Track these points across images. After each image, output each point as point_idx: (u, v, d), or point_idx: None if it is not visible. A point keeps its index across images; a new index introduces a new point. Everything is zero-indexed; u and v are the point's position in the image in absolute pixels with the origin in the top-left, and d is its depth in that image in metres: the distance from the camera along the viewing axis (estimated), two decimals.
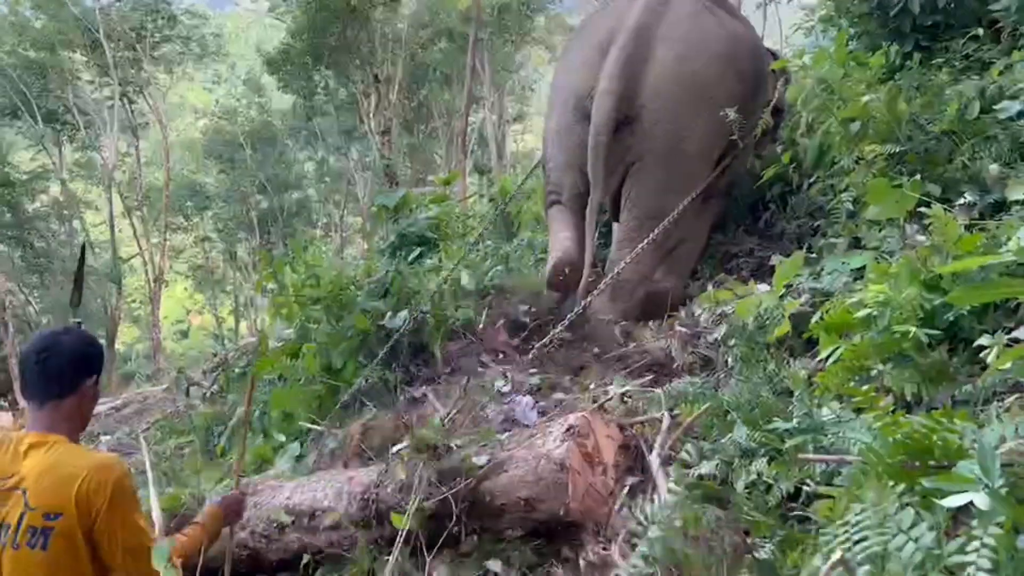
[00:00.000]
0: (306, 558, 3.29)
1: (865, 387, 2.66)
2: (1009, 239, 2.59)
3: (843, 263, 3.90)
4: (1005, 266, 2.56)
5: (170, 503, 3.64)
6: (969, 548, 1.44)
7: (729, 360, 3.82)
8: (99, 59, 23.08)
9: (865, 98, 4.37)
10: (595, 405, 3.49)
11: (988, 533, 1.44)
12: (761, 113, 5.39)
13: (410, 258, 6.82)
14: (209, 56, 26.63)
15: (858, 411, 2.49)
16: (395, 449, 3.42)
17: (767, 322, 3.70)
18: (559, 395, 4.10)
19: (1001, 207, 3.57)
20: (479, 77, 22.03)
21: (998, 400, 2.36)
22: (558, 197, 5.57)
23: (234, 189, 27.79)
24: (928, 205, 3.29)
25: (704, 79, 5.07)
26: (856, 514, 1.66)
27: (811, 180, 5.23)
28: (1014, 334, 2.41)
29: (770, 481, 2.49)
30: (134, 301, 30.67)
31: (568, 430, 3.00)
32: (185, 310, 37.83)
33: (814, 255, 4.37)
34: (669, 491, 2.60)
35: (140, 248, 25.43)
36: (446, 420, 3.74)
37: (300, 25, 20.00)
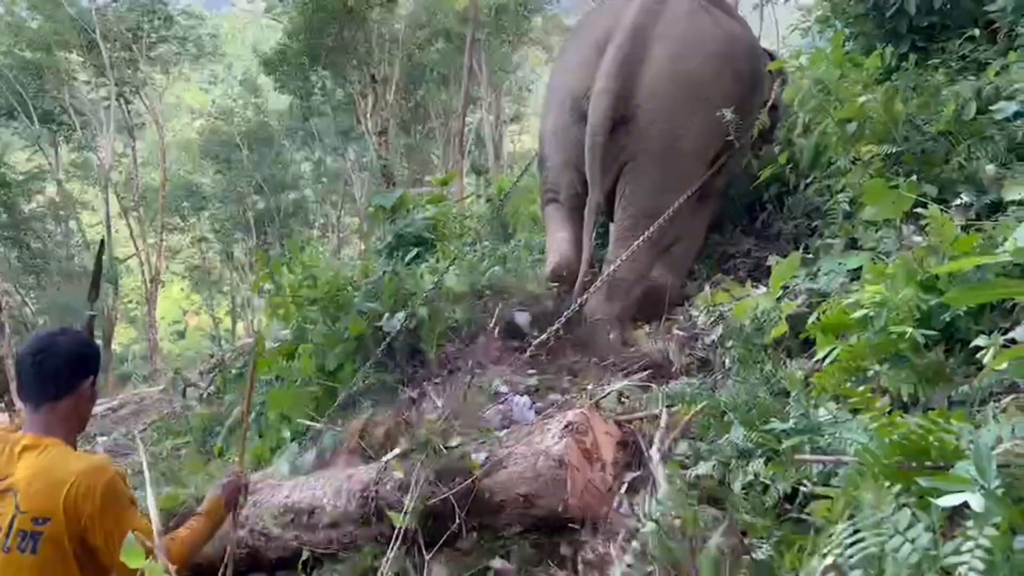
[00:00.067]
0: (305, 554, 3.29)
1: (862, 388, 2.66)
2: (1005, 239, 2.58)
3: (840, 264, 3.91)
4: (1001, 267, 2.56)
5: (168, 503, 3.63)
6: (964, 549, 1.44)
7: (726, 361, 3.82)
8: (95, 59, 23.06)
9: (861, 99, 4.38)
10: (592, 402, 3.49)
11: (983, 534, 1.44)
12: (758, 113, 5.39)
13: (407, 259, 6.82)
14: (205, 56, 26.61)
15: (855, 412, 2.49)
16: (394, 448, 3.42)
17: (764, 323, 3.70)
18: (555, 396, 4.11)
19: (997, 208, 3.57)
20: (476, 77, 22.04)
21: (994, 401, 2.36)
22: (555, 196, 5.58)
23: (231, 189, 27.77)
24: (925, 206, 3.29)
25: (700, 79, 5.07)
26: (849, 517, 1.66)
27: (808, 181, 5.24)
28: (1010, 335, 2.42)
29: (767, 482, 2.49)
30: (131, 302, 30.65)
31: (567, 427, 3.01)
32: (182, 311, 37.78)
33: (811, 256, 4.38)
34: (667, 488, 2.60)
35: (136, 249, 25.41)
36: (445, 418, 3.74)
37: (297, 25, 20.00)
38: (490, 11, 21.49)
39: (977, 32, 5.05)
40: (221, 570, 2.68)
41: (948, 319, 2.77)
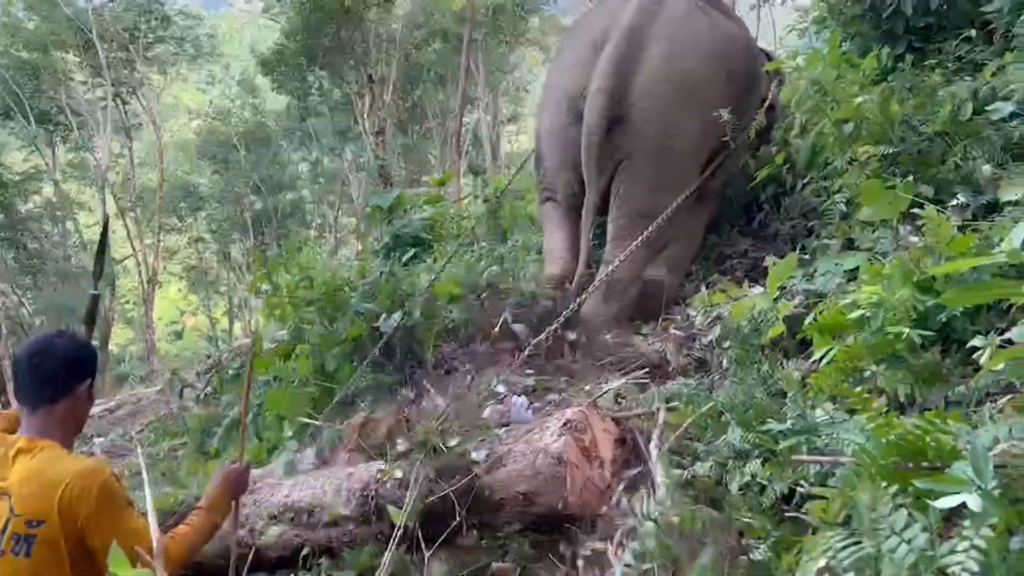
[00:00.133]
0: (305, 550, 3.28)
1: (858, 388, 2.67)
2: (1002, 240, 2.59)
3: (836, 264, 3.91)
4: (998, 267, 2.56)
5: (166, 504, 3.62)
6: (960, 549, 1.44)
7: (723, 362, 3.82)
8: (92, 60, 23.02)
9: (858, 99, 4.38)
10: (590, 400, 3.49)
11: (979, 534, 1.45)
12: (754, 114, 5.39)
13: (404, 259, 6.82)
14: (203, 57, 26.60)
15: (851, 412, 2.49)
16: (394, 446, 3.43)
17: (761, 324, 3.70)
18: (553, 396, 4.11)
19: (994, 208, 3.57)
20: (473, 78, 22.04)
21: (991, 401, 2.37)
22: (552, 195, 5.59)
23: (228, 190, 27.72)
24: (921, 206, 3.30)
25: (696, 79, 5.08)
26: (846, 518, 1.66)
27: (805, 181, 5.25)
28: (1007, 335, 2.42)
29: (764, 482, 2.50)
30: (128, 302, 30.60)
31: (565, 424, 3.03)
32: (179, 311, 37.69)
33: (808, 256, 4.38)
34: (665, 487, 2.61)
35: (134, 249, 25.36)
36: (444, 417, 3.74)
37: (294, 26, 19.97)
38: (487, 11, 21.49)
39: (973, 33, 5.07)
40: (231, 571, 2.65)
41: (944, 319, 2.78)
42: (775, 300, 3.77)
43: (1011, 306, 2.67)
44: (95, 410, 8.29)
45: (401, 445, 3.38)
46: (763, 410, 2.86)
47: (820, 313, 3.21)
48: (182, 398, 7.50)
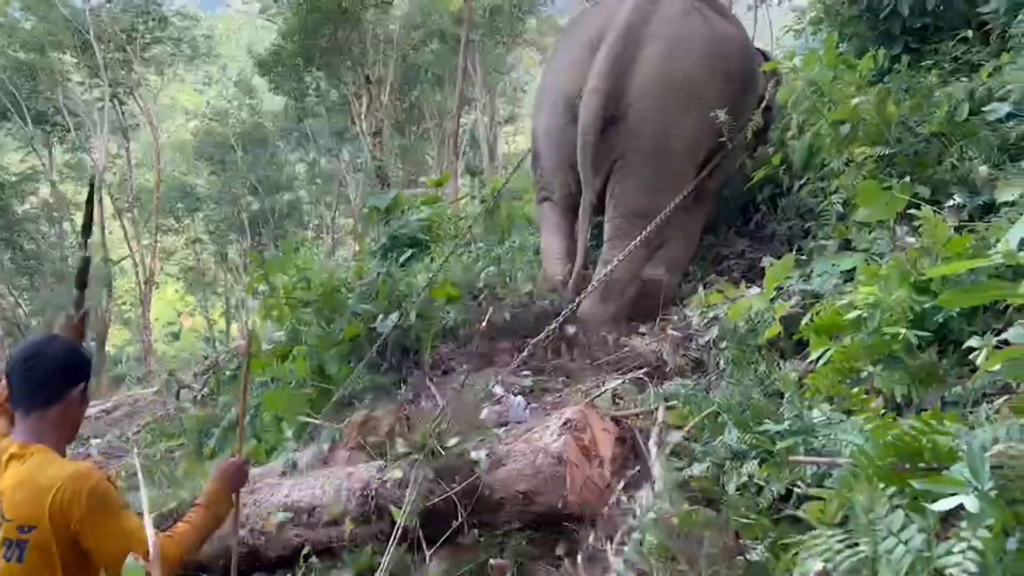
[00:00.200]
0: (306, 550, 3.28)
1: (855, 389, 2.67)
2: (998, 241, 2.59)
3: (833, 265, 3.91)
4: (994, 268, 2.56)
5: (164, 504, 3.62)
6: (957, 551, 1.44)
7: (720, 362, 3.82)
8: (89, 60, 22.99)
9: (855, 100, 4.39)
10: (587, 400, 3.50)
11: (976, 536, 1.44)
12: (751, 114, 5.39)
13: (402, 260, 6.81)
14: (200, 57, 26.57)
15: (848, 413, 2.50)
16: (394, 445, 3.43)
17: (758, 324, 3.70)
18: (551, 397, 4.11)
19: (990, 209, 3.58)
20: (471, 79, 22.04)
21: (987, 402, 2.37)
22: (549, 195, 5.59)
23: (225, 191, 27.69)
24: (918, 207, 3.30)
25: (692, 79, 5.07)
26: (843, 518, 1.66)
27: (801, 182, 5.25)
28: (1003, 336, 2.42)
29: (761, 483, 2.50)
30: (125, 303, 30.55)
31: (565, 424, 3.04)
32: (176, 312, 37.62)
33: (804, 257, 4.38)
34: (664, 485, 2.61)
35: (131, 250, 25.31)
36: (442, 418, 3.74)
37: (291, 27, 19.95)
38: (484, 12, 21.48)
39: (970, 34, 5.08)
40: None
41: (941, 320, 2.78)
42: (772, 301, 3.77)
43: (1007, 307, 2.68)
44: (92, 411, 8.28)
45: (401, 445, 3.38)
46: (760, 411, 2.86)
47: (817, 314, 3.21)
48: (179, 399, 7.50)
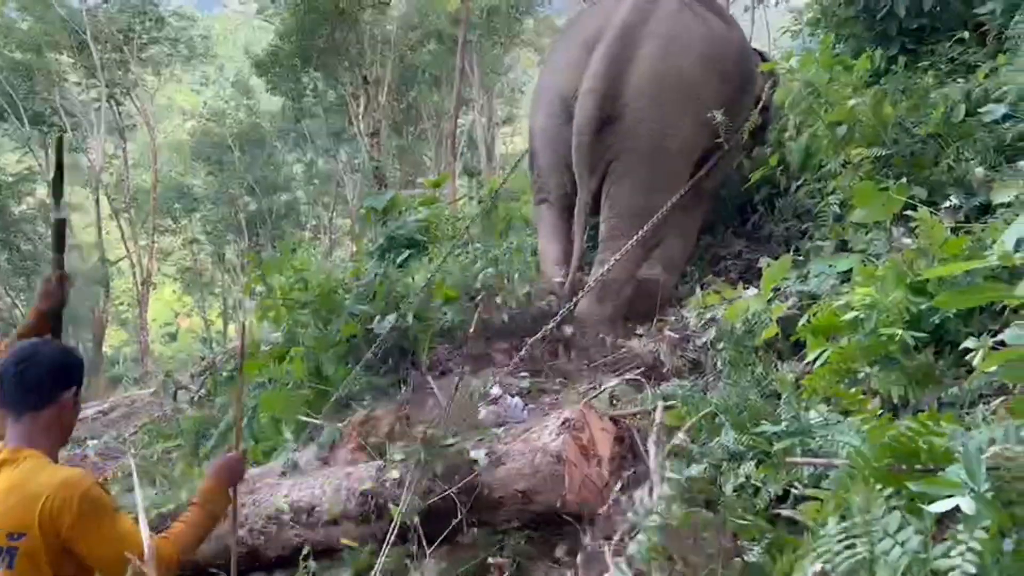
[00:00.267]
0: (305, 550, 3.28)
1: (852, 390, 2.67)
2: (994, 242, 2.60)
3: (830, 266, 3.91)
4: (990, 269, 2.56)
5: (162, 504, 3.62)
6: (954, 552, 1.44)
7: (718, 363, 3.83)
8: (86, 61, 22.98)
9: (851, 102, 4.39)
10: (585, 400, 3.50)
11: (973, 537, 1.45)
12: (748, 115, 5.40)
13: (399, 261, 6.80)
14: (197, 58, 26.58)
15: (845, 414, 2.50)
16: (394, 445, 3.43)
17: (755, 325, 3.71)
18: (548, 398, 4.11)
19: (986, 210, 3.58)
20: (468, 79, 22.04)
21: (984, 403, 2.37)
22: (546, 196, 5.59)
23: (222, 191, 27.68)
24: (914, 208, 3.30)
25: (688, 79, 5.08)
26: (840, 520, 1.66)
27: (798, 183, 5.26)
28: (1000, 337, 2.42)
29: (758, 484, 2.50)
30: (122, 304, 30.55)
31: (564, 423, 3.04)
32: (173, 313, 37.61)
33: (801, 258, 4.39)
34: (663, 484, 2.61)
35: (128, 250, 25.30)
36: (442, 416, 3.75)
37: (289, 27, 19.92)
38: (482, 13, 21.48)
39: (966, 35, 5.08)
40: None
41: (938, 321, 2.78)
42: (769, 302, 3.77)
43: (1004, 308, 2.68)
44: (88, 412, 8.28)
45: (401, 445, 3.38)
46: (757, 412, 2.86)
47: (814, 315, 3.21)
48: (176, 400, 7.48)
